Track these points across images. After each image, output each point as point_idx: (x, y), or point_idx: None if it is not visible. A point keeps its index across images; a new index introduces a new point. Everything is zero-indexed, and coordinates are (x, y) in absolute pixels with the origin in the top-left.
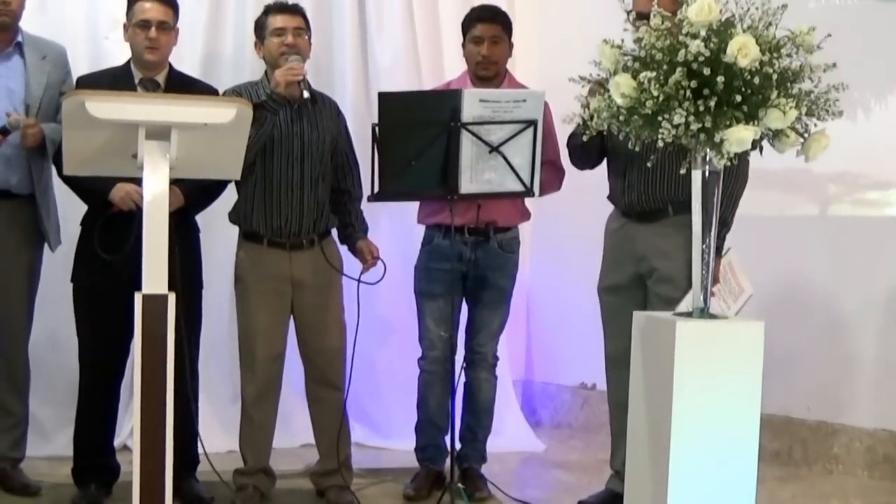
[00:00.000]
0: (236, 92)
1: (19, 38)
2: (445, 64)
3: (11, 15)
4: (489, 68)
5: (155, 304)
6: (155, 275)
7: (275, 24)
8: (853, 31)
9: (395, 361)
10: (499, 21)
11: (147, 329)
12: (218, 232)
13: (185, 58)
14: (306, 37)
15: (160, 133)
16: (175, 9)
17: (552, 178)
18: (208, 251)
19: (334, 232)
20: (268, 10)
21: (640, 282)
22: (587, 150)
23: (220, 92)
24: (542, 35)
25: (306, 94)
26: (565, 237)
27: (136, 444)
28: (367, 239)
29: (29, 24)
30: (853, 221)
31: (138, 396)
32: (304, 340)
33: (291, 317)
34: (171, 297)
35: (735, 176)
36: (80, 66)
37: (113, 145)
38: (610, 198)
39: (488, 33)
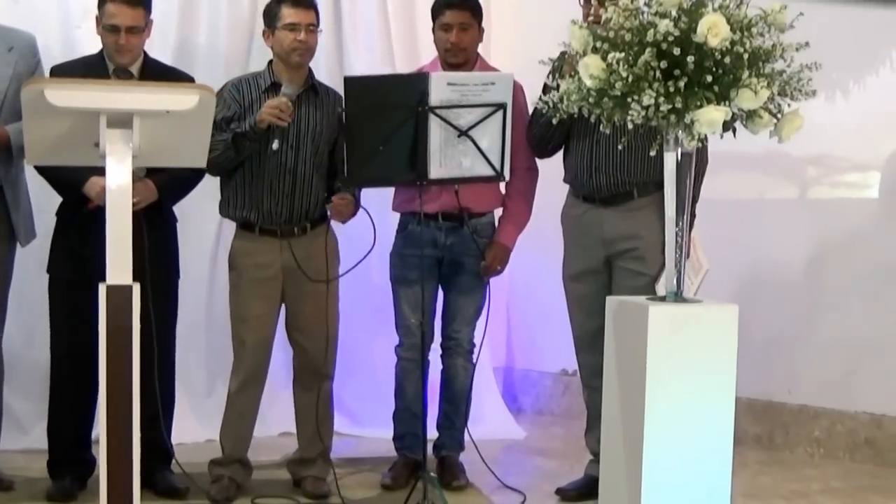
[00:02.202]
0: (235, 86)
1: None
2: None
3: None
4: (458, 55)
5: (119, 295)
6: (119, 265)
7: (288, 17)
8: (831, 11)
9: (372, 349)
10: (468, 7)
11: (112, 320)
12: (194, 221)
13: (157, 46)
14: (318, 33)
15: (122, 121)
16: (147, 7)
17: (530, 187)
18: (183, 241)
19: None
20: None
21: (608, 265)
22: (555, 134)
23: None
24: (519, 17)
25: (275, 146)
26: (546, 222)
27: (102, 437)
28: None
29: (1, 14)
30: (833, 204)
31: (104, 389)
32: (296, 328)
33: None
34: (136, 288)
35: (700, 152)
36: (53, 56)
37: (74, 134)
38: (570, 181)
39: (457, 20)
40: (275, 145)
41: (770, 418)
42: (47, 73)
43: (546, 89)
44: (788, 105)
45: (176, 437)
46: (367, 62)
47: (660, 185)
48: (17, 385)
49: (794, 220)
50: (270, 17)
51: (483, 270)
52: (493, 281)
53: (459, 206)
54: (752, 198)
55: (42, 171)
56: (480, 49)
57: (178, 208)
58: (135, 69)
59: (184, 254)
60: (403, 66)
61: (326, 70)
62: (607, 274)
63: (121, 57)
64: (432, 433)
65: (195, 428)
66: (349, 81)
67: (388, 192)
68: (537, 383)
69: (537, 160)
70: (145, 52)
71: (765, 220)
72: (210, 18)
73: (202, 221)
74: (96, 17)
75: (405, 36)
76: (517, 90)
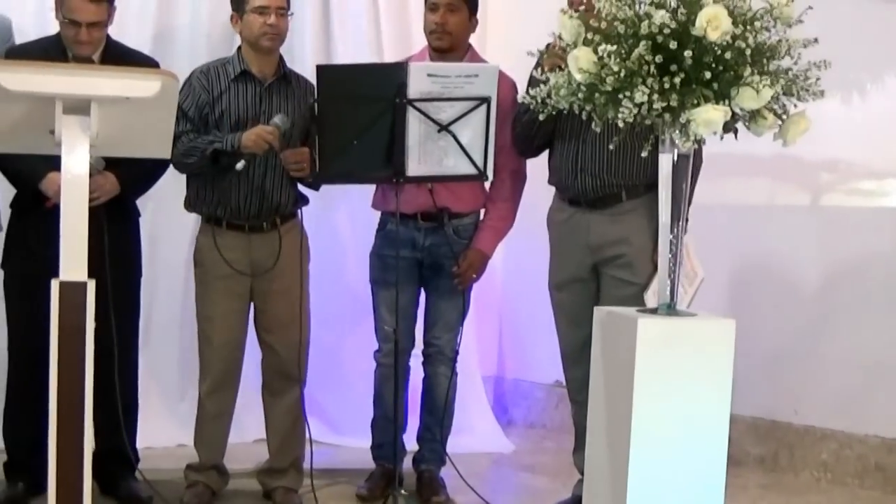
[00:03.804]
0: (204, 73)
1: None
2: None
3: None
4: (443, 38)
5: (73, 293)
6: (73, 260)
7: (257, 0)
8: (849, 5)
9: (353, 353)
10: None
11: (64, 319)
12: (169, 216)
13: (135, 33)
14: (289, 17)
15: (79, 107)
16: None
17: (515, 192)
18: (158, 236)
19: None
20: None
21: (595, 272)
22: (539, 132)
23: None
24: (515, 8)
25: (239, 166)
26: (539, 225)
27: (52, 441)
28: None
29: None
30: (846, 212)
31: (54, 391)
32: (264, 328)
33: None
34: (91, 285)
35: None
36: (27, 39)
37: (29, 120)
38: (555, 184)
39: (444, 0)
40: (239, 166)
41: (774, 439)
42: None
43: (533, 82)
44: (795, 106)
45: (146, 441)
46: (355, 51)
47: (650, 188)
48: None
49: (803, 228)
50: (238, 1)
51: (458, 278)
52: (485, 285)
53: (436, 206)
54: (759, 203)
55: None
56: (476, 43)
57: (153, 202)
58: (96, 56)
59: (158, 250)
60: (392, 56)
61: (313, 58)
62: (594, 282)
63: (81, 49)
64: (413, 445)
65: (167, 432)
66: (322, 70)
67: (369, 189)
68: (529, 394)
69: (527, 162)
70: (108, 37)
71: (772, 228)
72: (192, 2)
73: (178, 216)
74: (56, 1)
75: (396, 25)
76: (508, 85)
